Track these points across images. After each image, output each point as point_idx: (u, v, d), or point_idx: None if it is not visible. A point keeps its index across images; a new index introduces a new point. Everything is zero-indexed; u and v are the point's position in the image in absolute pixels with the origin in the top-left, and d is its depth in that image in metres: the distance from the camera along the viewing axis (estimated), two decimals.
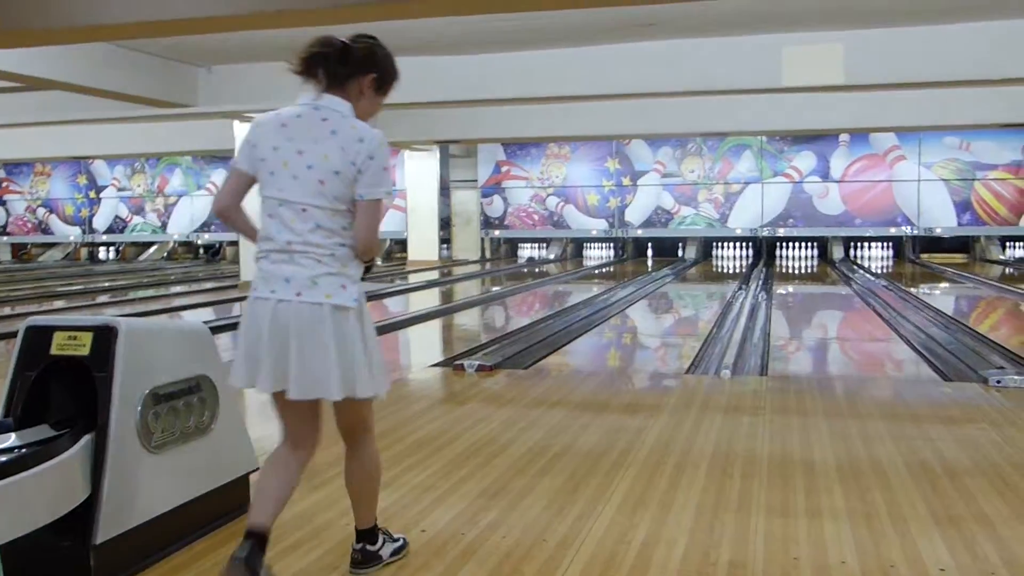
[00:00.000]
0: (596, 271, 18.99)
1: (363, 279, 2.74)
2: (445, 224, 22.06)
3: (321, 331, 2.57)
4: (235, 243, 18.78)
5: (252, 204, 2.74)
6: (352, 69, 2.65)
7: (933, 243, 20.63)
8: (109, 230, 26.00)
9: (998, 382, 5.81)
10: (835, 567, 2.95)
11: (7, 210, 26.84)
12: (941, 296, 13.49)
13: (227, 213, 2.76)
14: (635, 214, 21.88)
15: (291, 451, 2.79)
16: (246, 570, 2.56)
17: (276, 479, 2.74)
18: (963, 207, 20.04)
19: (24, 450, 2.71)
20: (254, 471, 3.58)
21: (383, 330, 9.59)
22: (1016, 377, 5.84)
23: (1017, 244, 20.41)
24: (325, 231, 2.61)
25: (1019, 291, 12.91)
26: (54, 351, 2.92)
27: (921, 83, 11.88)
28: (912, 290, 13.37)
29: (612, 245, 22.57)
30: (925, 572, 2.90)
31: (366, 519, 2.94)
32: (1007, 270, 17.37)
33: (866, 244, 20.98)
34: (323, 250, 2.60)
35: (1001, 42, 10.28)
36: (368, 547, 2.93)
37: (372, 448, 2.91)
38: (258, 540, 2.63)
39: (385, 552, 2.97)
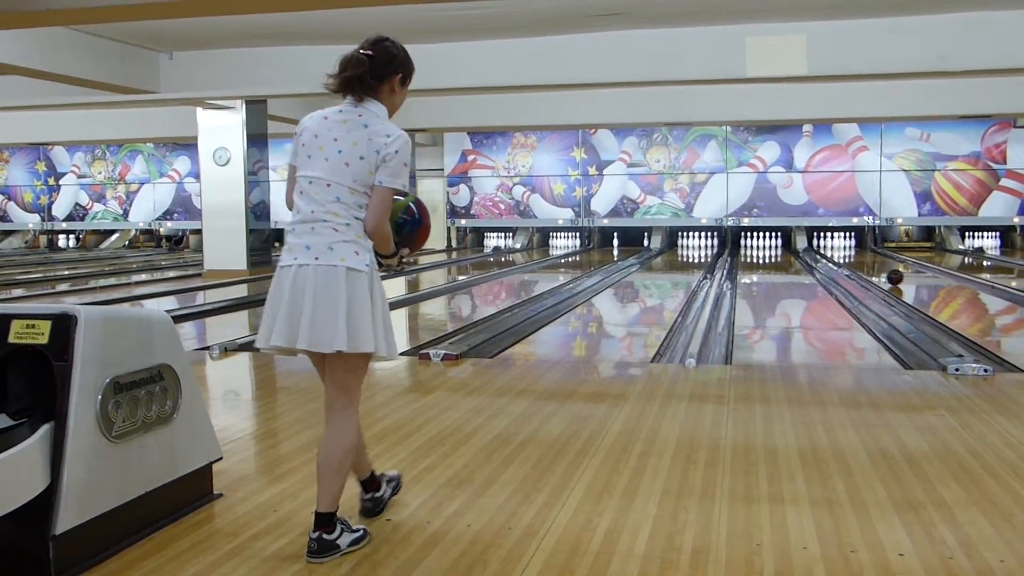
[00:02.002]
0: (562, 260, 19.02)
1: (395, 268, 3.15)
2: None
3: (336, 289, 2.87)
4: (198, 231, 18.58)
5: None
6: (380, 76, 2.99)
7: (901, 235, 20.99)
8: (69, 217, 25.62)
9: (956, 370, 5.90)
10: (797, 552, 2.98)
11: None
12: (902, 285, 13.66)
13: None
14: (601, 203, 21.93)
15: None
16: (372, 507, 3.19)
17: None
18: (923, 197, 20.30)
19: None
20: (217, 461, 3.55)
21: None
22: (974, 365, 5.93)
23: (976, 234, 20.72)
24: (344, 204, 2.93)
25: (978, 280, 13.11)
26: (12, 339, 2.87)
27: (883, 74, 12.02)
28: (874, 279, 13.52)
29: (578, 234, 22.61)
30: (885, 557, 2.94)
31: (328, 501, 2.96)
32: (966, 259, 17.63)
33: (829, 234, 21.20)
34: (341, 219, 2.92)
35: (961, 35, 10.41)
36: (325, 536, 2.93)
37: (351, 423, 3.02)
38: (370, 480, 3.21)
39: (343, 542, 2.97)
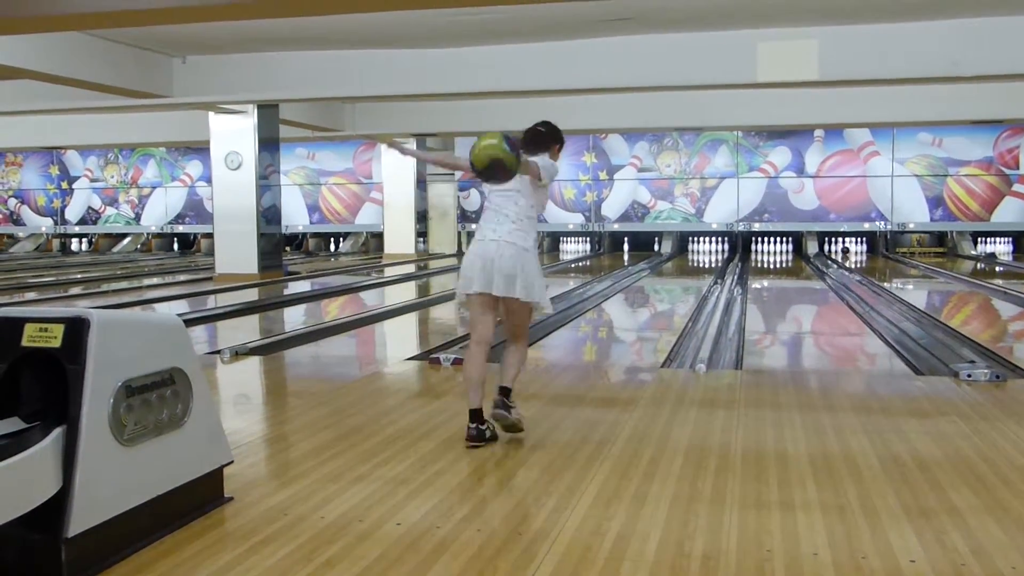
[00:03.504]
0: (572, 265, 19.02)
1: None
2: (421, 217, 21.97)
3: (513, 259, 4.37)
4: (210, 235, 18.63)
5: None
6: (548, 145, 4.63)
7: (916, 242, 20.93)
8: (82, 221, 25.73)
9: (968, 376, 5.87)
10: (807, 559, 2.97)
11: None
12: (913, 291, 13.62)
13: None
14: (611, 208, 21.91)
15: (478, 345, 4.48)
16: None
17: (476, 368, 4.43)
18: (935, 203, 20.22)
19: None
20: (228, 464, 3.56)
21: (359, 323, 9.57)
22: (986, 371, 5.90)
23: (988, 239, 20.63)
24: (522, 209, 4.46)
25: (990, 286, 13.06)
26: (25, 343, 2.88)
27: (894, 79, 11.98)
28: (885, 285, 13.48)
29: (588, 239, 22.60)
30: (896, 563, 2.93)
31: (508, 380, 4.49)
32: (978, 265, 17.55)
33: (840, 239, 21.13)
34: (519, 217, 4.45)
35: (973, 39, 10.38)
36: (507, 400, 4.44)
37: (526, 344, 4.63)
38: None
39: (513, 414, 4.44)
